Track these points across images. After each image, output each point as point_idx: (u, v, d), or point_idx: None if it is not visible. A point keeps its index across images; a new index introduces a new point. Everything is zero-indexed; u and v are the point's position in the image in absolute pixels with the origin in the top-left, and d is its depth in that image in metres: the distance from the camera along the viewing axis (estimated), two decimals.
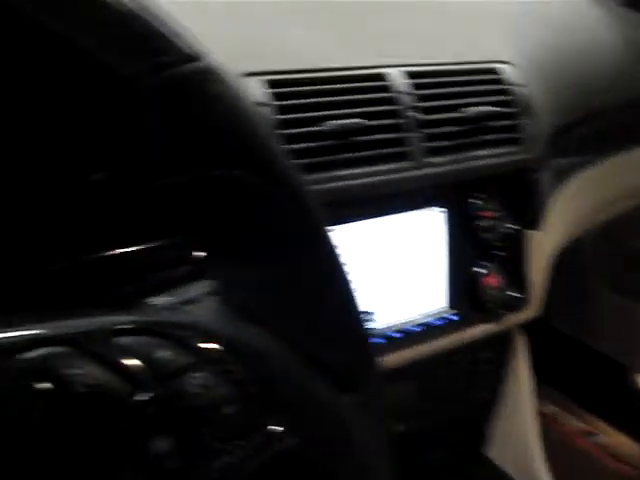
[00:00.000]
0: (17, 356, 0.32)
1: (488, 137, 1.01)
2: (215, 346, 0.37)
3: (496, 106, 1.02)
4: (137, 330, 0.36)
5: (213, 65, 0.37)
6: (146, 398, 0.34)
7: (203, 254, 0.76)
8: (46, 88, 0.38)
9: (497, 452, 1.26)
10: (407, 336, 0.98)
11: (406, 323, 0.99)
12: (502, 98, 1.04)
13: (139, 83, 0.34)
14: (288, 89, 0.85)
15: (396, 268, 0.97)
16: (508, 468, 1.24)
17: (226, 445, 0.36)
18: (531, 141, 1.06)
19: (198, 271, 0.58)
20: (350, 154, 0.87)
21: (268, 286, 0.39)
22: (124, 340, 0.35)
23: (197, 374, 0.36)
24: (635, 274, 1.69)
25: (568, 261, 1.36)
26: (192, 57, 0.36)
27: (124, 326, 0.36)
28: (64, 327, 0.34)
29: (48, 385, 0.32)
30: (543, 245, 1.12)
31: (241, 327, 0.39)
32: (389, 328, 0.97)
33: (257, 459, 0.37)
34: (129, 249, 0.74)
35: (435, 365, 1.11)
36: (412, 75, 0.95)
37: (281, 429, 0.38)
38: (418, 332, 1.00)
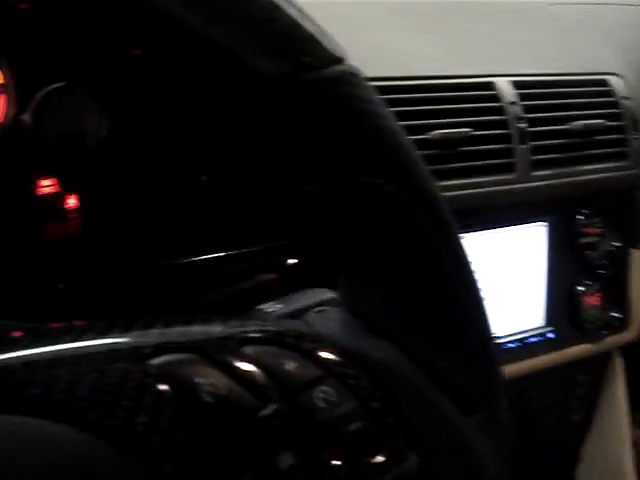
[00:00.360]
0: (146, 361, 0.31)
1: (596, 151, 0.98)
2: (341, 359, 0.36)
3: (605, 119, 0.99)
4: (264, 340, 0.35)
5: (356, 69, 0.36)
6: (272, 412, 0.33)
7: (295, 261, 0.76)
8: (173, 83, 0.37)
9: (588, 477, 1.22)
10: (502, 352, 0.96)
11: (502, 339, 0.96)
12: (611, 111, 1.01)
13: (281, 83, 0.33)
14: (393, 96, 0.83)
15: (495, 282, 0.95)
16: None
17: (349, 463, 0.35)
18: (638, 156, 1.03)
19: (308, 279, 0.57)
20: (455, 164, 0.85)
21: (398, 298, 0.38)
22: (251, 350, 0.34)
23: (322, 388, 0.35)
24: None
25: None
26: (337, 59, 0.35)
27: (252, 335, 0.35)
28: (192, 334, 0.34)
29: (176, 393, 0.31)
30: None
31: (368, 340, 0.38)
32: None
33: (378, 477, 0.36)
34: (229, 252, 0.74)
35: (529, 383, 1.08)
36: (520, 85, 0.93)
37: (404, 449, 0.37)
38: (514, 348, 0.97)
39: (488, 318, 0.40)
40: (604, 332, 1.03)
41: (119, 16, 0.33)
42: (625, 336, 1.07)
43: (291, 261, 0.76)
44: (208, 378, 0.32)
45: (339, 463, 0.34)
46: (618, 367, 1.18)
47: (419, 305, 0.38)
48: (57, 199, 0.73)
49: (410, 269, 0.37)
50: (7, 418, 0.28)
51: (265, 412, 0.33)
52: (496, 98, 0.90)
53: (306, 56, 0.34)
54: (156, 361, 0.32)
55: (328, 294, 0.45)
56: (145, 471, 0.30)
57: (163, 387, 0.31)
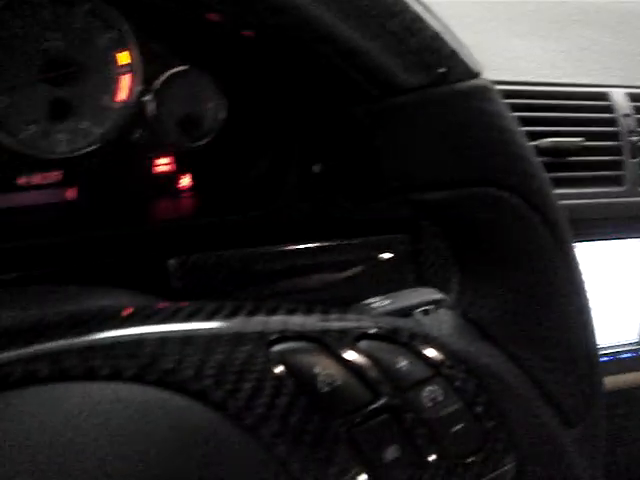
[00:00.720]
0: (270, 348, 0.33)
1: None
2: (450, 361, 0.37)
3: None
4: (379, 336, 0.36)
5: (490, 83, 0.37)
6: (382, 406, 0.34)
7: (390, 255, 0.77)
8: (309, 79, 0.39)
9: None
10: None
11: None
12: None
13: (416, 94, 0.35)
14: (505, 101, 0.83)
15: (592, 294, 0.94)
16: None
17: (448, 462, 0.36)
18: None
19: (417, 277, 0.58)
20: (564, 173, 0.85)
21: (511, 308, 0.39)
22: (366, 344, 0.36)
23: (430, 388, 0.36)
24: None
25: None
26: (474, 74, 0.36)
27: (368, 330, 0.36)
28: (312, 324, 0.35)
29: (295, 380, 0.33)
30: None
31: (478, 346, 0.39)
32: None
33: (475, 476, 0.37)
34: (329, 243, 0.76)
35: (616, 399, 1.06)
36: (635, 98, 0.91)
37: (502, 454, 0.38)
38: (605, 362, 0.96)
39: (595, 333, 0.41)
40: None
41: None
42: None
43: (385, 255, 0.78)
44: (325, 368, 0.34)
45: (439, 461, 0.35)
46: None
47: (531, 316, 0.39)
48: (171, 178, 0.76)
49: (526, 279, 0.38)
50: (139, 388, 0.31)
51: (375, 405, 0.34)
52: (610, 109, 0.89)
53: (445, 69, 0.35)
54: (278, 348, 0.33)
55: (434, 295, 0.46)
56: (260, 451, 0.32)
57: (283, 373, 0.33)
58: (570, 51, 0.96)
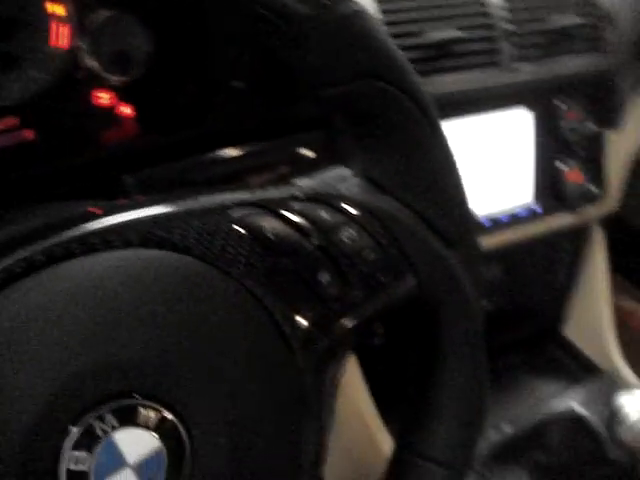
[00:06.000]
0: (228, 212, 0.47)
1: (572, 46, 1.11)
2: (359, 211, 0.51)
3: (580, 16, 1.11)
4: (307, 199, 0.50)
5: (363, 7, 0.51)
6: (314, 246, 0.48)
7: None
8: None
9: (573, 333, 1.39)
10: (496, 224, 1.11)
11: (496, 213, 1.11)
12: (586, 9, 1.13)
13: (312, 20, 0.48)
14: (394, 5, 0.97)
15: (488, 164, 1.09)
16: (583, 347, 1.37)
17: (367, 280, 0.50)
18: (612, 48, 1.16)
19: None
20: (447, 62, 0.99)
21: (398, 167, 0.53)
22: (298, 205, 0.50)
23: (347, 230, 0.50)
24: None
25: None
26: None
27: (297, 195, 0.50)
28: (259, 195, 0.49)
29: (251, 234, 0.47)
30: (621, 145, 1.22)
31: (377, 197, 0.53)
32: (481, 217, 1.09)
33: (388, 290, 0.51)
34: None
35: (519, 251, 1.23)
36: None
37: (404, 270, 0.52)
38: (505, 221, 1.12)
39: (461, 179, 0.55)
40: (583, 204, 1.17)
41: None
42: (602, 207, 1.21)
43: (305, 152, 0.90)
44: (271, 224, 0.48)
45: (360, 280, 0.50)
46: (598, 236, 1.34)
47: (413, 173, 0.53)
48: (113, 108, 0.88)
49: (408, 146, 0.53)
50: (145, 251, 0.44)
51: (309, 245, 0.48)
52: (482, 3, 1.03)
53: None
54: (235, 212, 0.47)
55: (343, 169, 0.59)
56: (234, 285, 0.45)
57: (242, 229, 0.46)
58: None
